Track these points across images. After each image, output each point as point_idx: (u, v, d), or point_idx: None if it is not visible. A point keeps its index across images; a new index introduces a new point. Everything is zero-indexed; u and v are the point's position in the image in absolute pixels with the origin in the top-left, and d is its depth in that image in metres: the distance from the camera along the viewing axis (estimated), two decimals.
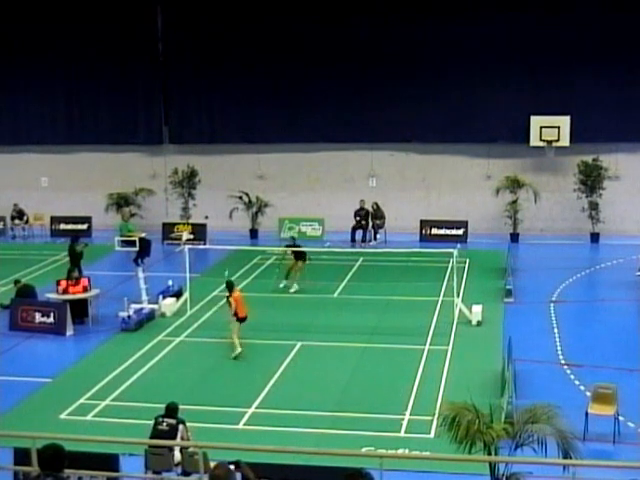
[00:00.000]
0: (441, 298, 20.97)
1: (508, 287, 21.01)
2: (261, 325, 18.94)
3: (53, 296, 19.54)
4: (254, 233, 29.67)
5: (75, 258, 20.85)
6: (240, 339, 17.23)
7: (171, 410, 11.93)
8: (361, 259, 25.31)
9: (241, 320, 17.37)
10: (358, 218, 28.46)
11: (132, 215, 28.17)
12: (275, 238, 28.81)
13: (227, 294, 17.64)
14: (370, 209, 28.64)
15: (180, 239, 27.15)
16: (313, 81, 29.26)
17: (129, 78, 30.30)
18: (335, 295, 21.67)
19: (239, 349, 17.06)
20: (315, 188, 30.12)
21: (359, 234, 28.35)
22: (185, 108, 30.44)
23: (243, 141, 30.13)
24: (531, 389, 14.54)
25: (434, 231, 28.39)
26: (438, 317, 19.52)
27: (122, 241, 21.11)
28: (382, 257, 24.93)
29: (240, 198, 29.78)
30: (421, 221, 28.64)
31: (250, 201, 29.83)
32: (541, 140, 27.62)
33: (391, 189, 29.77)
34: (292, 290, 21.76)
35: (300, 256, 22.04)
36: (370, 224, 28.62)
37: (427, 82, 28.61)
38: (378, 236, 28.60)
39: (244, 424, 13.91)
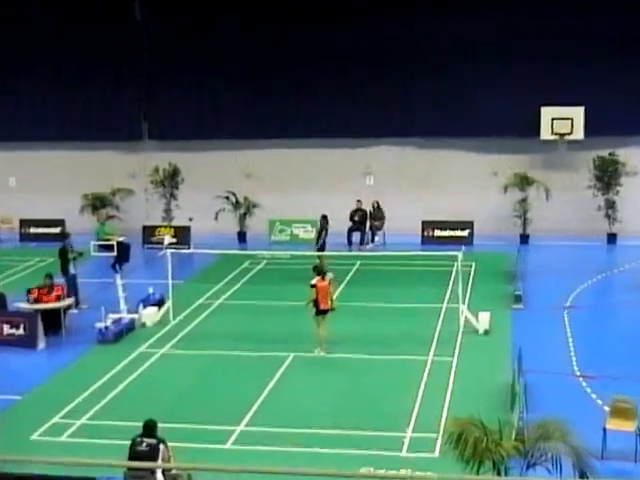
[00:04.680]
0: (445, 305, 21.01)
1: (517, 292, 21.03)
2: (251, 335, 19.00)
3: (24, 305, 19.45)
4: (242, 236, 29.70)
5: (65, 263, 20.88)
6: (322, 336, 17.50)
7: (149, 428, 11.80)
8: (358, 263, 25.31)
9: (320, 312, 17.63)
10: (356, 219, 28.50)
11: (109, 217, 28.29)
12: (265, 242, 28.83)
13: (313, 281, 17.75)
14: (370, 208, 28.73)
15: (162, 243, 27.00)
16: (305, 73, 29.37)
17: (104, 69, 30.26)
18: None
19: (322, 352, 17.44)
20: (308, 187, 30.09)
21: (356, 236, 28.41)
22: (166, 101, 30.41)
23: (230, 137, 30.12)
24: (543, 403, 14.45)
25: (437, 233, 28.43)
26: (442, 326, 19.48)
27: (99, 245, 21.13)
28: (381, 261, 24.94)
29: (227, 198, 29.76)
30: (423, 222, 28.68)
31: (238, 202, 29.81)
32: (553, 133, 27.70)
33: (390, 188, 29.76)
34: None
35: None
36: (368, 225, 28.68)
37: (427, 71, 28.74)
38: (377, 238, 28.64)
39: (232, 443, 13.84)
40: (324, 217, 24.66)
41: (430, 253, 23.60)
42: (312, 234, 28.56)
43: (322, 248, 23.99)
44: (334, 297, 18.53)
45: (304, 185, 30.21)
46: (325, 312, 17.83)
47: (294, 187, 30.26)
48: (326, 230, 24.31)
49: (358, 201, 28.76)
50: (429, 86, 28.76)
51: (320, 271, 18.10)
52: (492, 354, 17.52)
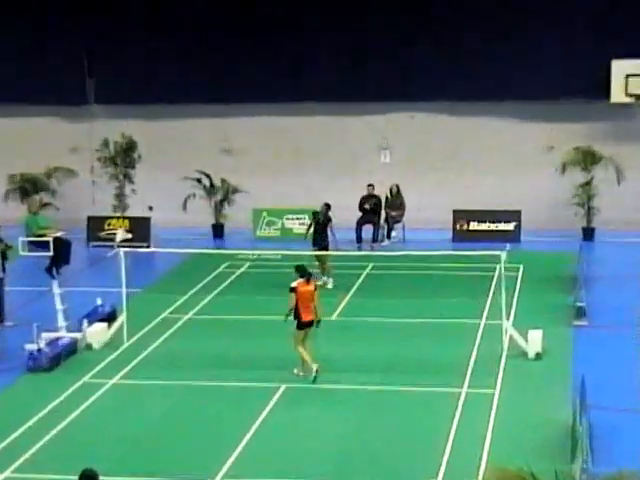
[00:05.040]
0: (484, 321, 21.05)
1: (579, 304, 21.03)
2: (229, 360, 19.02)
3: None
4: (219, 230, 29.84)
5: None
6: (308, 353, 17.82)
7: None
8: (370, 266, 25.46)
9: (303, 325, 18.05)
10: (367, 208, 28.49)
11: (44, 206, 28.11)
12: (248, 238, 28.82)
13: (293, 283, 18.26)
14: (387, 193, 28.80)
15: (113, 240, 27.34)
16: (302, 19, 29.59)
17: (37, 12, 30.29)
18: (333, 317, 21.67)
19: (313, 366, 17.81)
20: (305, 167, 30.23)
21: (367, 231, 28.39)
22: (119, 53, 30.35)
23: (202, 100, 30.25)
24: (614, 450, 14.40)
25: (473, 226, 28.69)
26: (480, 348, 19.51)
27: (30, 242, 21.01)
28: (399, 263, 24.86)
29: (198, 181, 29.84)
30: (455, 212, 28.78)
31: (213, 185, 29.89)
32: (627, 95, 27.81)
33: (412, 167, 29.83)
34: (330, 286, 23.75)
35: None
36: (383, 217, 28.71)
37: (461, 18, 28.79)
38: (394, 233, 28.76)
39: None
40: (327, 206, 24.62)
41: (464, 253, 23.70)
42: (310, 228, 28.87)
43: (324, 246, 24.00)
44: (320, 308, 18.56)
45: (300, 164, 30.31)
46: (309, 325, 18.17)
47: (287, 166, 30.33)
48: (328, 223, 24.22)
49: (370, 185, 28.69)
50: (463, 36, 28.81)
51: (304, 272, 18.37)
52: (546, 385, 17.50)
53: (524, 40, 28.48)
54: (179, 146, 30.75)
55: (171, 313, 22.16)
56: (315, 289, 18.38)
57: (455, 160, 29.82)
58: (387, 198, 28.88)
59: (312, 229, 24.39)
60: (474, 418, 16.12)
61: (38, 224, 22.26)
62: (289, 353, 18.59)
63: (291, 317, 18.14)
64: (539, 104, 28.94)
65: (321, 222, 24.33)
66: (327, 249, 24.03)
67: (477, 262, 23.45)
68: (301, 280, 18.17)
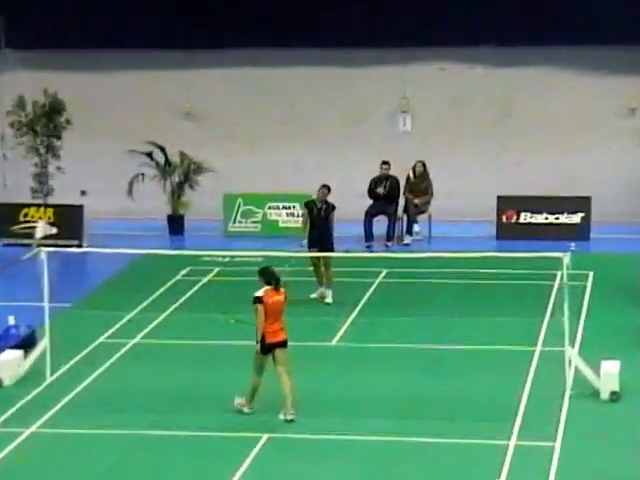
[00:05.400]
0: (539, 347, 21.15)
1: None
2: (193, 401, 18.98)
3: None
4: (177, 224, 30.20)
5: None
6: (288, 386, 17.98)
7: None
8: (383, 273, 25.82)
9: (268, 347, 18.20)
10: (379, 192, 28.59)
11: None
12: (218, 234, 29.16)
13: (258, 292, 18.43)
14: (407, 175, 28.92)
15: (32, 235, 27.49)
16: None
17: None
18: (333, 343, 21.99)
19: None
20: (295, 138, 30.47)
21: (380, 225, 28.60)
22: None
23: (155, 45, 30.42)
24: None
25: (525, 218, 29.00)
26: (534, 384, 19.45)
27: None
28: (424, 269, 25.02)
29: (148, 156, 30.10)
30: (499, 199, 29.09)
31: (168, 162, 30.15)
32: None
33: (441, 137, 30.18)
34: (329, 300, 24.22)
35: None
36: (402, 206, 28.90)
37: None
38: (417, 228, 29.01)
39: None
40: (326, 189, 24.52)
41: (512, 255, 23.59)
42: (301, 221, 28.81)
43: (327, 247, 23.93)
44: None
45: (289, 133, 30.58)
46: (278, 347, 18.28)
47: (271, 137, 30.62)
48: (330, 213, 24.25)
49: (384, 163, 28.81)
50: None
51: (271, 277, 18.44)
52: (625, 436, 17.33)
53: None
54: (122, 108, 30.88)
55: (110, 337, 22.16)
56: (285, 299, 18.55)
57: (500, 128, 30.00)
58: (408, 180, 28.96)
59: (308, 224, 24.45)
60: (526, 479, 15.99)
61: None
62: (269, 390, 18.52)
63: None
64: (616, 49, 28.98)
65: (320, 213, 24.20)
66: (332, 250, 24.00)
67: (530, 267, 23.45)
68: (268, 288, 18.30)
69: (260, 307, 18.08)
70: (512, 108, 30.23)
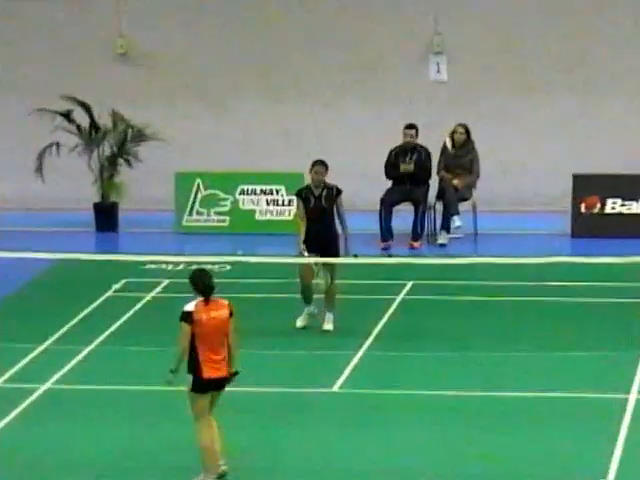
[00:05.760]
0: (635, 395, 20.88)
1: None
2: (122, 470, 18.42)
3: None
4: (108, 215, 31.27)
5: None
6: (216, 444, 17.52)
7: None
8: (408, 286, 26.08)
9: (206, 384, 17.74)
10: (402, 171, 29.19)
11: None
12: (167, 230, 30.09)
13: (188, 306, 17.63)
14: (443, 145, 29.50)
15: None
16: None
17: None
18: (334, 389, 21.73)
19: (220, 464, 17.64)
20: (280, 93, 31.49)
21: (402, 218, 28.75)
22: None
23: None
24: None
25: (612, 207, 29.83)
26: (627, 445, 18.67)
27: None
28: (466, 281, 26.08)
29: (66, 117, 30.65)
30: (575, 179, 29.83)
31: (95, 126, 30.53)
32: None
33: (490, 91, 30.93)
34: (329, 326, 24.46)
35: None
36: (434, 188, 29.34)
37: None
38: (457, 222, 29.20)
39: None
40: (322, 165, 23.96)
41: (595, 260, 23.38)
42: (289, 210, 29.55)
43: (330, 250, 23.96)
44: (237, 344, 18.40)
45: (272, 86, 31.58)
46: (218, 384, 17.84)
47: (248, 91, 31.70)
48: (335, 201, 24.21)
49: (410, 127, 29.13)
50: None
51: (205, 286, 17.71)
52: None
53: None
54: (28, 50, 31.28)
55: (9, 381, 21.69)
56: (231, 315, 18.07)
57: (574, 77, 30.33)
58: (444, 152, 28.92)
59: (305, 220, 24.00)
60: None
61: None
62: (260, 457, 18.79)
63: (184, 370, 17.52)
64: None
65: (320, 202, 24.03)
66: (337, 254, 23.78)
67: (621, 279, 23.95)
68: (200, 299, 17.78)
69: (185, 327, 17.79)
70: (589, 51, 30.81)
